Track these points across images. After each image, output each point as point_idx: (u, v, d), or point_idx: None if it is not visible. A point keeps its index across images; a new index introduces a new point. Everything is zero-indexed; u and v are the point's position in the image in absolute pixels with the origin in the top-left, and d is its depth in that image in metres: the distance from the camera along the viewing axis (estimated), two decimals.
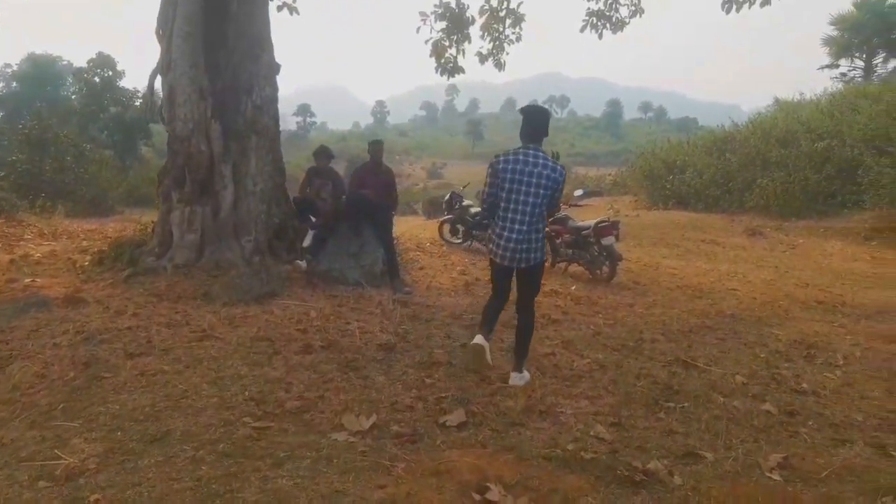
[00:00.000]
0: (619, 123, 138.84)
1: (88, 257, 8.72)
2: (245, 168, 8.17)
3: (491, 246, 4.79)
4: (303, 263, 7.98)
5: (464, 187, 14.04)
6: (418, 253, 10.99)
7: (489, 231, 4.91)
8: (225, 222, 7.94)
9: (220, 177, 7.98)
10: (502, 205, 4.60)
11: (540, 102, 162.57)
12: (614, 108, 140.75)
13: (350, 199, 8.51)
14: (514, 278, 4.92)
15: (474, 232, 11.88)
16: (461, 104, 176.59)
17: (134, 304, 6.54)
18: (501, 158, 4.61)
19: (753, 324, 7.27)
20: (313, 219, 8.66)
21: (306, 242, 8.42)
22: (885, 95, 20.55)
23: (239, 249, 7.90)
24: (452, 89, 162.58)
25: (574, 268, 9.79)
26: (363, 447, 3.58)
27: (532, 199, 4.52)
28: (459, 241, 12.24)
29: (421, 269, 9.42)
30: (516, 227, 4.57)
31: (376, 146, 8.51)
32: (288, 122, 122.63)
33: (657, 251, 14.18)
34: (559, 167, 4.61)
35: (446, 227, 12.68)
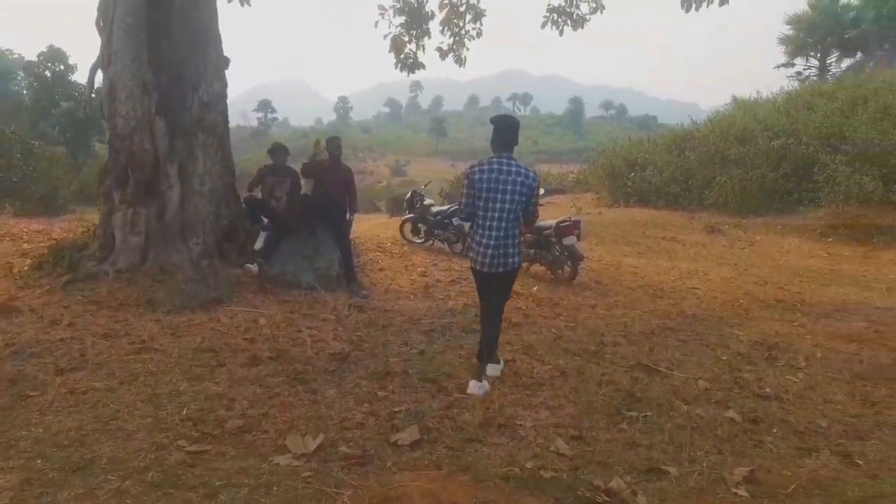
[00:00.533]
0: (581, 121, 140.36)
1: (28, 261, 8.23)
2: (192, 167, 7.79)
3: (471, 254, 4.91)
4: (254, 267, 7.64)
5: (425, 185, 13.81)
6: (378, 253, 10.72)
7: (468, 239, 5.06)
8: (171, 224, 7.56)
9: (165, 176, 7.59)
10: (479, 213, 4.72)
11: (503, 100, 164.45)
12: (576, 105, 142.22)
13: (307, 199, 8.20)
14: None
15: (436, 231, 11.65)
16: (425, 101, 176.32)
17: (71, 312, 6.14)
18: (476, 168, 4.72)
19: (714, 324, 7.20)
20: (265, 220, 8.31)
21: (258, 245, 8.07)
22: (838, 94, 20.99)
23: (186, 252, 7.52)
24: (416, 86, 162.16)
25: (536, 268, 9.64)
26: (307, 472, 3.32)
27: (507, 206, 4.64)
28: (421, 240, 11.99)
29: (381, 270, 9.16)
30: (493, 233, 4.69)
31: (334, 143, 8.24)
32: (248, 118, 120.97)
33: (619, 249, 14.16)
34: (531, 173, 4.73)
35: (407, 227, 12.42)
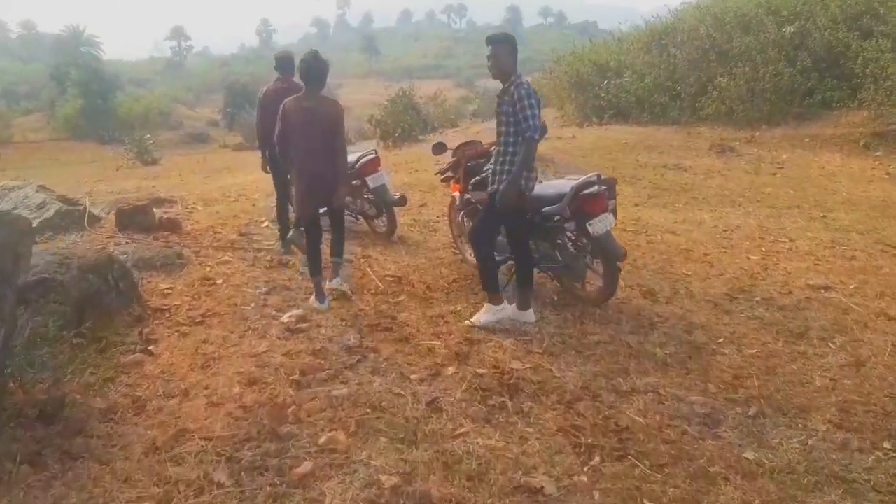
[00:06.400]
0: (520, 31, 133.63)
1: None
2: None
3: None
4: None
5: None
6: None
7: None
8: None
9: None
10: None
11: (437, 13, 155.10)
12: (513, 14, 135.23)
13: None
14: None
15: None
16: (354, 18, 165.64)
17: None
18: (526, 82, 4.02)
19: None
20: None
21: None
22: None
23: None
24: (343, 2, 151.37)
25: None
26: None
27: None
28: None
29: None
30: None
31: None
32: (161, 48, 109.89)
33: (618, 191, 9.95)
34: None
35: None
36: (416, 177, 11.18)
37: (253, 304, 4.61)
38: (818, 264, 5.72)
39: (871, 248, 6.30)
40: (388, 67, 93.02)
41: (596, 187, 4.26)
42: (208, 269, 5.40)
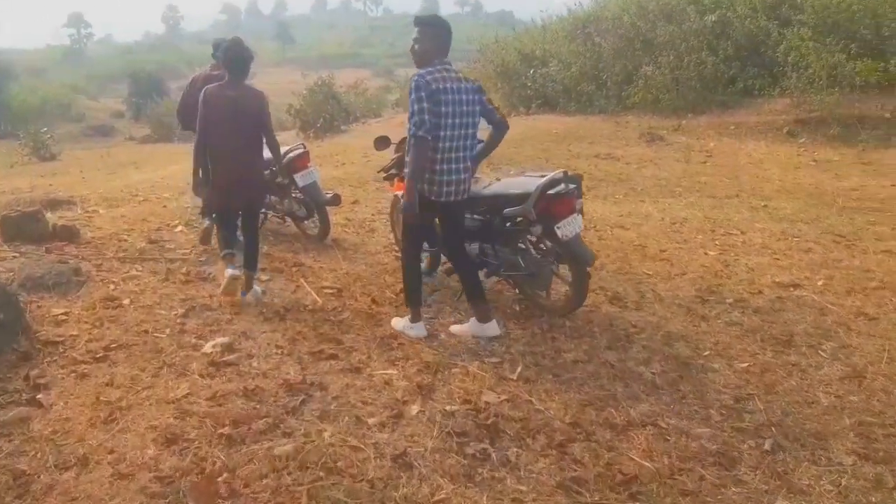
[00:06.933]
0: None
1: None
2: None
3: (431, 187, 3.65)
4: None
5: None
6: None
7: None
8: None
9: None
10: (443, 134, 3.58)
11: (352, 1, 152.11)
12: (431, 3, 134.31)
13: None
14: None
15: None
16: (266, 5, 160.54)
17: None
18: (430, 77, 3.52)
19: None
20: None
21: None
22: None
23: None
24: None
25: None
26: None
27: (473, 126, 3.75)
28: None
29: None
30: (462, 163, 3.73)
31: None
32: (59, 35, 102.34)
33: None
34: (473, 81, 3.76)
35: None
36: (344, 171, 10.49)
37: (168, 331, 3.89)
38: (777, 259, 5.50)
39: (823, 240, 6.17)
40: (303, 56, 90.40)
41: (563, 185, 3.78)
42: (112, 287, 4.61)
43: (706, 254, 5.68)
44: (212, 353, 3.57)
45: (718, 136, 13.21)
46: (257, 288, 4.50)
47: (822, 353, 3.62)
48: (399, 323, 3.93)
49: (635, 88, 15.40)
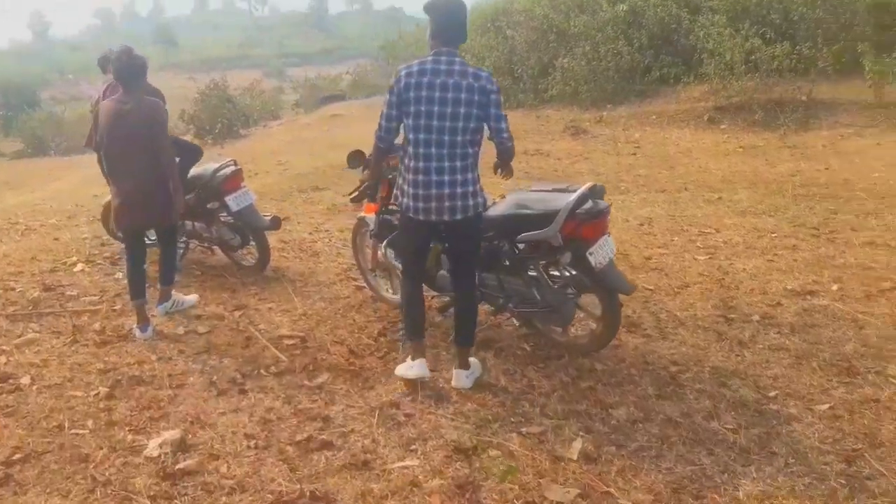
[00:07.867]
0: (328, 18, 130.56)
1: None
2: None
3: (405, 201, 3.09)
4: None
5: None
6: None
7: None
8: None
9: None
10: (411, 137, 3.03)
11: (236, 0, 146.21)
12: (319, 2, 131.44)
13: None
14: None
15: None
16: (143, 7, 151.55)
17: None
18: (404, 71, 3.01)
19: None
20: None
21: None
22: None
23: None
24: None
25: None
26: None
27: (461, 123, 2.99)
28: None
29: None
30: (433, 164, 3.00)
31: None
32: None
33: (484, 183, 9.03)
34: (484, 74, 3.03)
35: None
36: (260, 182, 9.38)
37: (91, 423, 2.88)
38: (771, 260, 5.06)
39: (800, 234, 5.83)
40: (188, 59, 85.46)
41: (591, 203, 3.07)
42: (3, 359, 3.50)
43: (696, 259, 5.16)
44: (160, 456, 2.60)
45: (641, 127, 13.07)
46: (167, 304, 4.12)
47: (893, 382, 3.11)
48: (401, 369, 3.20)
49: (553, 81, 15.08)
